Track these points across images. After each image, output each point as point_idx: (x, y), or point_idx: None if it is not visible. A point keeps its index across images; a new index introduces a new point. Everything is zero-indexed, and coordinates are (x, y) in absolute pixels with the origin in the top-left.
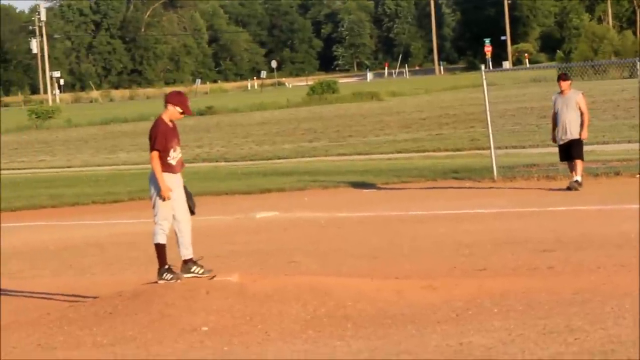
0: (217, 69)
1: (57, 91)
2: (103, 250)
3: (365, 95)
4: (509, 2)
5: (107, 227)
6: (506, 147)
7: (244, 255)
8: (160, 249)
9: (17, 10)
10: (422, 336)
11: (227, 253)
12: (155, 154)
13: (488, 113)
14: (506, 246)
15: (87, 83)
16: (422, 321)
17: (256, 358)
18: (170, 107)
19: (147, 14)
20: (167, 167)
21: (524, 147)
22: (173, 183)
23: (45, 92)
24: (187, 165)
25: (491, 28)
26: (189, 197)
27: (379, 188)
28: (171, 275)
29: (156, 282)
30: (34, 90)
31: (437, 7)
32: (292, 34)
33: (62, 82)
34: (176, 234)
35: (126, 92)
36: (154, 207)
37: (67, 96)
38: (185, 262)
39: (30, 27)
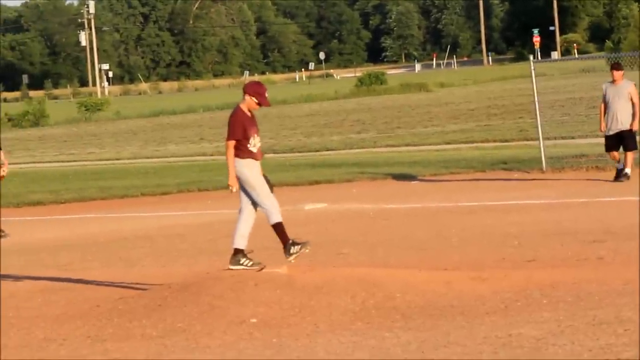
0: (265, 61)
1: (105, 83)
2: (152, 242)
3: (414, 87)
4: None
5: (156, 219)
6: (555, 138)
7: None
8: (279, 227)
9: (66, 3)
10: (471, 327)
11: (276, 245)
12: (231, 143)
13: (537, 104)
14: (555, 237)
15: (136, 75)
16: (471, 312)
17: (305, 350)
18: (247, 97)
19: (195, 6)
20: (249, 154)
21: (572, 138)
22: (254, 169)
23: (94, 84)
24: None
25: (540, 18)
26: (268, 182)
27: (427, 179)
28: (298, 247)
29: (289, 260)
30: (83, 83)
31: None
32: (340, 25)
33: (110, 74)
34: (238, 221)
35: (174, 84)
36: (249, 194)
37: (116, 88)
38: (236, 252)
39: (79, 20)
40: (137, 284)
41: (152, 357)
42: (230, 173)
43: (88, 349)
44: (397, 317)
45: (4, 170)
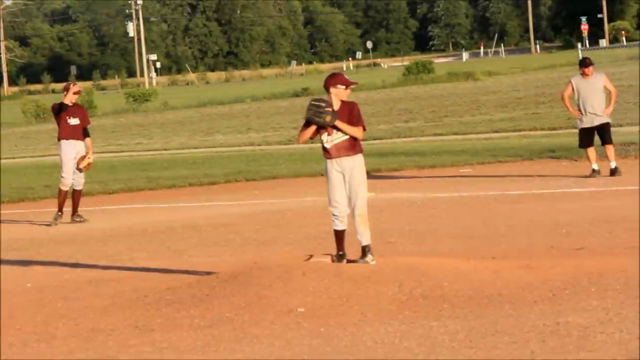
0: (312, 51)
1: (153, 74)
2: (200, 233)
3: (461, 75)
4: None
5: (203, 209)
6: None
7: None
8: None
9: None
10: (519, 316)
11: (324, 235)
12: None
13: None
14: (604, 225)
15: (183, 66)
16: (518, 301)
17: (352, 339)
18: (332, 89)
19: None
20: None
21: (621, 126)
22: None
23: (142, 75)
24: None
25: (587, 6)
26: None
27: (476, 168)
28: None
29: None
30: (131, 74)
31: None
32: (387, 14)
33: (158, 65)
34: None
35: (222, 75)
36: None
37: (164, 79)
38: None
39: (127, 11)
40: (185, 273)
41: (200, 347)
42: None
43: (136, 339)
44: (444, 306)
45: (89, 158)
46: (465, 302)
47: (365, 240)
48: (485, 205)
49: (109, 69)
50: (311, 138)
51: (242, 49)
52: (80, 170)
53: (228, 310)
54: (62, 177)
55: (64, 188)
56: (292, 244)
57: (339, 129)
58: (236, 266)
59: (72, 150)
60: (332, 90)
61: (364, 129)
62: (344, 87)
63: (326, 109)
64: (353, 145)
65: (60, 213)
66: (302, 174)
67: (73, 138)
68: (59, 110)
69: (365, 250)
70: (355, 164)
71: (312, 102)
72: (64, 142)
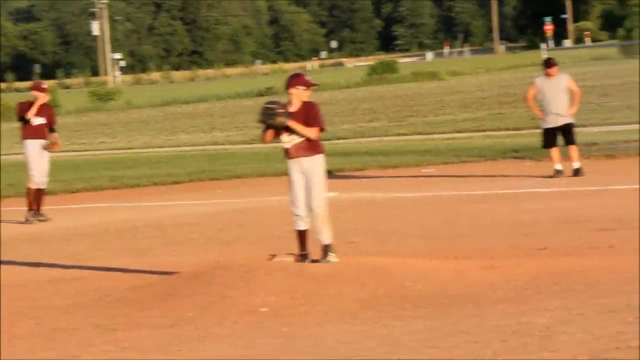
0: (277, 50)
1: (117, 73)
2: (163, 232)
3: (425, 75)
4: None
5: (167, 209)
6: None
7: None
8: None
9: None
10: (481, 316)
11: (288, 234)
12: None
13: None
14: (566, 225)
15: (148, 64)
16: (481, 301)
17: (315, 339)
18: (292, 90)
19: None
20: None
21: (584, 126)
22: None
23: (106, 74)
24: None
25: (552, 6)
26: None
27: (439, 168)
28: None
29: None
30: (95, 72)
31: None
32: (352, 13)
33: (122, 63)
34: None
35: (186, 74)
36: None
37: (128, 78)
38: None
39: (91, 9)
40: (148, 273)
41: (162, 347)
42: None
43: (98, 339)
44: (407, 306)
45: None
46: (428, 302)
47: (326, 239)
48: (448, 205)
49: (73, 68)
50: (274, 138)
51: (206, 48)
52: (45, 149)
53: (190, 310)
54: (31, 174)
55: (34, 186)
56: (255, 243)
57: (293, 130)
58: (199, 266)
59: (36, 148)
60: (292, 90)
61: (323, 130)
62: (304, 88)
63: (278, 110)
64: (313, 146)
65: (31, 210)
66: (265, 174)
67: (37, 137)
68: (22, 118)
69: (326, 250)
70: (315, 164)
71: (265, 105)
72: (28, 141)
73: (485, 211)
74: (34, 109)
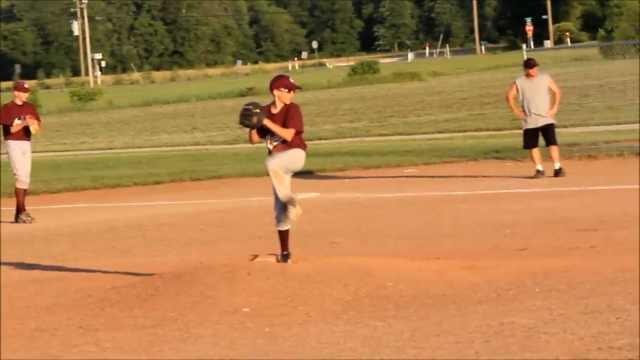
0: (258, 50)
1: (98, 73)
2: (144, 232)
3: (406, 76)
4: None
5: (148, 209)
6: None
7: None
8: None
9: None
10: (463, 316)
11: (269, 235)
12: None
13: None
14: (548, 226)
15: (129, 65)
16: (463, 301)
17: (297, 339)
18: (276, 92)
19: None
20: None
21: (565, 127)
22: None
23: (87, 74)
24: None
25: (532, 7)
26: None
27: (421, 168)
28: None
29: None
30: (76, 73)
31: None
32: (333, 14)
33: (103, 64)
34: None
35: (167, 74)
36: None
37: (109, 78)
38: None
39: (72, 9)
40: (129, 273)
41: (144, 347)
42: None
43: (80, 339)
44: (389, 306)
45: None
46: (410, 303)
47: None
48: (429, 206)
49: (53, 68)
50: (260, 139)
51: (187, 48)
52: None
53: (172, 310)
54: (18, 175)
55: (22, 186)
56: (237, 243)
57: (269, 130)
58: (180, 266)
59: (19, 149)
60: (275, 92)
61: (299, 132)
62: (286, 90)
63: (254, 110)
64: (292, 146)
65: (25, 211)
66: (247, 174)
67: (20, 139)
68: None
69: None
70: (288, 153)
71: (243, 107)
72: (10, 141)
73: (467, 212)
74: (19, 126)
